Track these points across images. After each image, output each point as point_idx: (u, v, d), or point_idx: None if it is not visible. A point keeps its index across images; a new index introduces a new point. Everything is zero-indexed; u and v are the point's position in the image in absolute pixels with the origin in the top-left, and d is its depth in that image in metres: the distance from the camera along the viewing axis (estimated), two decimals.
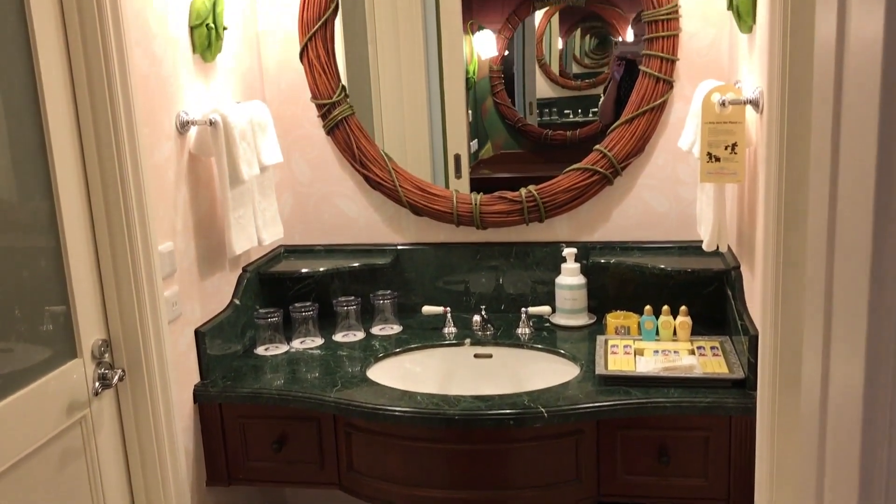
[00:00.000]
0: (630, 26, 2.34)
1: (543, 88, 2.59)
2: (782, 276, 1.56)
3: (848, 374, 0.71)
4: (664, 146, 2.26)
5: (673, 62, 2.17)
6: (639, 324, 2.12)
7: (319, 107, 2.39)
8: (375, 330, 2.35)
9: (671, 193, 2.29)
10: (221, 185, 2.03)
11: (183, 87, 1.97)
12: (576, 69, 2.57)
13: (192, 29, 2.00)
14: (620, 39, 2.38)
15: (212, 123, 1.97)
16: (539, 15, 2.51)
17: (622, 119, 2.23)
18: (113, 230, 1.74)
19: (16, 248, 1.57)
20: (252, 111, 2.14)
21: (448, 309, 2.31)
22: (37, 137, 1.59)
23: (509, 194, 2.33)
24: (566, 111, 2.57)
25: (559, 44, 2.55)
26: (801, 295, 1.55)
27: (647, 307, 2.10)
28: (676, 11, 2.14)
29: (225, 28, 2.10)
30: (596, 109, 2.49)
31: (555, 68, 2.57)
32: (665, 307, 2.09)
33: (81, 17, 1.63)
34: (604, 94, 2.44)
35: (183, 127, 1.96)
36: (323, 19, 2.30)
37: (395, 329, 2.35)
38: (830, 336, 0.78)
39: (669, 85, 2.19)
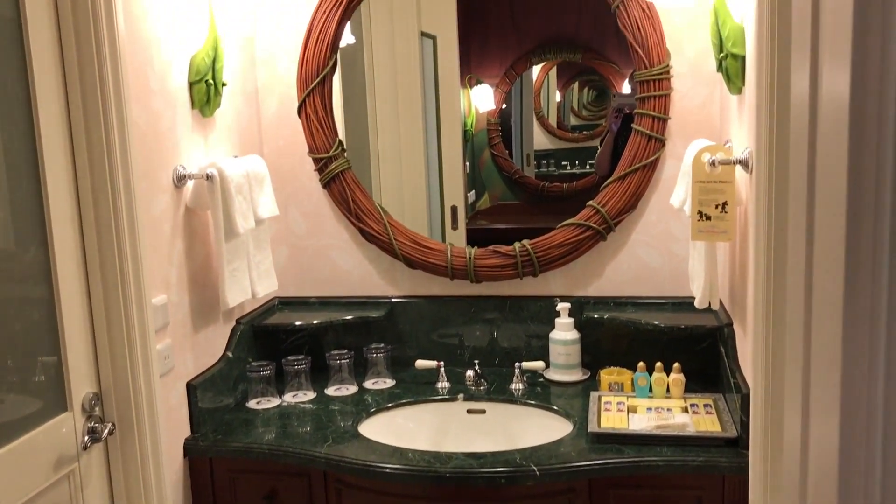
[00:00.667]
0: (627, 80, 2.37)
1: (541, 140, 2.62)
2: (772, 335, 1.56)
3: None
4: (657, 202, 2.28)
5: (665, 121, 2.21)
6: (632, 380, 2.12)
7: (316, 161, 2.42)
8: (368, 384, 2.34)
9: (664, 249, 2.30)
10: (216, 239, 2.05)
11: (181, 142, 2.00)
12: (573, 121, 2.60)
13: (191, 85, 2.03)
14: (618, 92, 2.42)
15: (208, 177, 1.99)
16: (537, 69, 2.55)
17: (615, 175, 2.25)
18: (107, 283, 1.75)
19: (9, 298, 1.58)
20: (249, 165, 2.16)
21: (441, 363, 2.31)
22: (34, 188, 1.60)
23: (503, 248, 2.35)
24: (563, 162, 2.59)
25: (557, 96, 2.59)
26: (793, 356, 1.55)
27: (641, 364, 2.10)
28: (668, 72, 2.18)
29: (224, 84, 2.13)
30: (593, 161, 2.52)
31: (552, 120, 2.61)
32: (658, 364, 2.09)
33: (82, 74, 1.66)
34: (600, 145, 2.46)
35: (180, 181, 1.98)
36: (321, 75, 2.34)
37: (388, 383, 2.34)
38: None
39: (661, 143, 2.22)
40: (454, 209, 2.57)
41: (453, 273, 2.38)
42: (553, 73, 2.57)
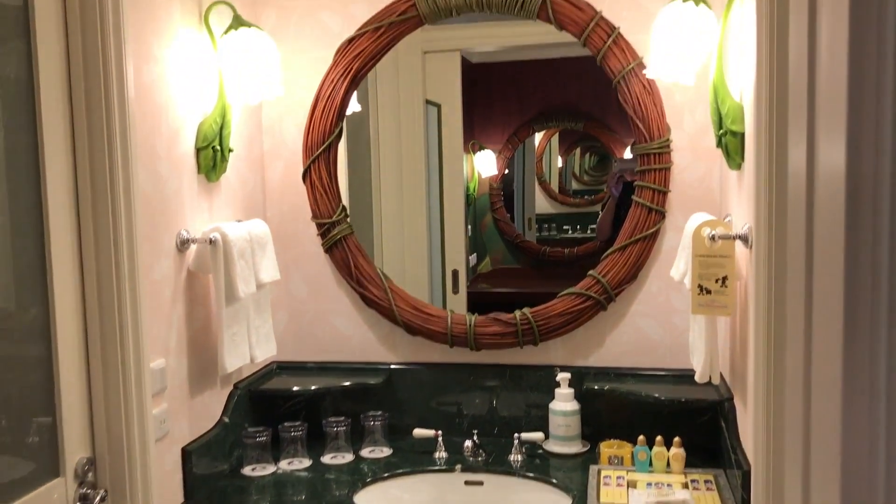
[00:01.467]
0: (629, 147, 2.41)
1: (542, 205, 2.66)
2: (773, 412, 1.55)
3: None
4: (657, 274, 2.29)
5: (665, 193, 2.23)
6: (632, 454, 2.09)
7: (319, 226, 2.44)
8: (365, 452, 2.32)
9: (665, 321, 2.30)
10: (217, 303, 2.05)
11: (185, 206, 2.02)
12: (575, 186, 2.64)
13: (198, 150, 2.06)
14: (619, 158, 2.45)
15: (211, 242, 2.01)
16: (539, 136, 2.60)
17: (616, 246, 2.26)
18: (106, 347, 1.74)
19: (7, 357, 1.57)
20: (252, 229, 2.18)
21: (439, 432, 2.28)
22: (38, 249, 1.61)
23: (504, 316, 2.35)
24: (565, 227, 2.63)
25: (559, 162, 2.63)
26: (794, 435, 1.54)
27: (641, 437, 2.08)
28: (668, 146, 2.21)
29: (231, 150, 2.16)
30: (594, 226, 2.54)
31: (554, 185, 2.65)
32: (659, 438, 2.07)
33: (91, 140, 1.68)
34: (602, 210, 2.49)
35: (183, 245, 2.00)
36: (327, 143, 2.38)
37: (385, 452, 2.31)
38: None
39: (662, 215, 2.24)
40: (455, 273, 2.58)
41: (453, 340, 2.37)
42: (555, 139, 2.63)
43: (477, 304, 2.50)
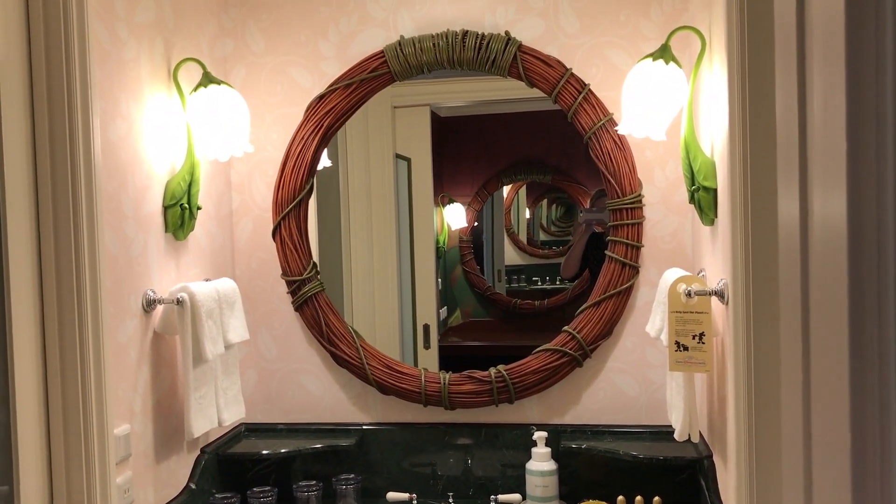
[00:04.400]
0: (590, 200, 2.44)
1: (512, 256, 2.66)
2: (755, 469, 1.53)
3: None
4: (631, 329, 2.27)
5: (638, 248, 2.23)
6: None
7: (289, 283, 2.40)
8: None
9: (640, 377, 2.28)
10: (184, 365, 1.99)
11: (152, 267, 1.97)
12: (543, 237, 2.65)
13: (165, 209, 2.02)
14: (584, 208, 2.48)
15: (178, 302, 1.95)
16: (507, 188, 2.61)
17: (590, 302, 2.25)
18: (68, 413, 1.67)
19: None
20: (220, 288, 2.13)
21: (414, 496, 2.22)
22: None
23: (478, 374, 2.31)
24: (534, 278, 2.62)
25: (527, 213, 2.64)
26: (777, 491, 1.51)
27: (621, 498, 2.04)
28: (640, 201, 2.22)
29: (199, 208, 2.12)
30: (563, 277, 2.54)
31: (523, 237, 2.65)
32: (638, 498, 2.03)
33: (55, 201, 1.63)
34: (570, 247, 2.49)
35: (149, 305, 1.94)
36: (297, 199, 2.35)
37: None
38: None
39: (636, 270, 2.23)
40: (426, 328, 2.55)
41: (427, 399, 2.32)
42: (523, 191, 2.65)
43: (449, 357, 2.48)
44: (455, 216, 2.60)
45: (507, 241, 2.67)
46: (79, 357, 1.66)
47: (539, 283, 2.61)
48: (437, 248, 2.56)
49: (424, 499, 2.27)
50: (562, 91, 2.22)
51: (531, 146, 2.55)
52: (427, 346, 2.56)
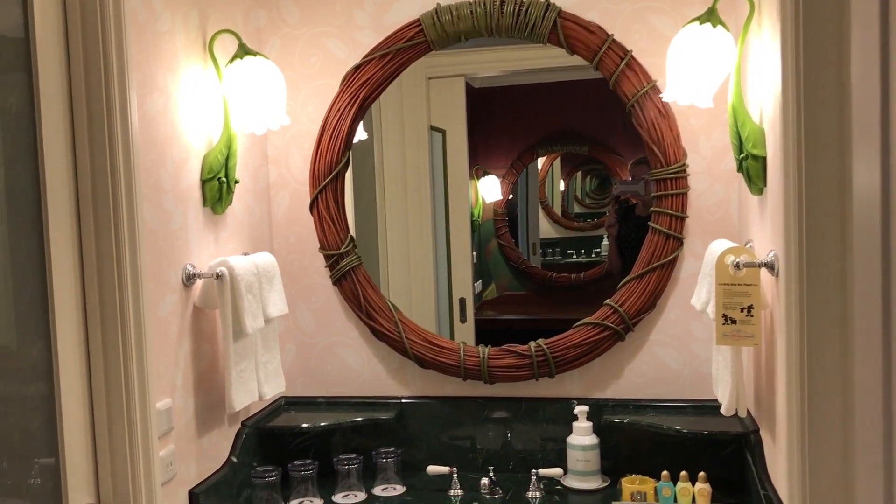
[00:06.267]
0: (628, 169, 2.39)
1: (546, 229, 2.63)
2: (808, 448, 1.48)
3: None
4: (675, 302, 2.22)
5: (682, 219, 2.17)
6: (656, 490, 2.02)
7: (327, 257, 2.38)
8: (377, 490, 2.24)
9: (684, 351, 2.23)
10: (224, 339, 1.98)
11: (191, 241, 1.96)
12: (577, 209, 2.61)
13: (203, 182, 2.01)
14: (619, 179, 2.43)
15: (218, 276, 1.95)
16: (542, 160, 2.57)
17: (633, 274, 2.20)
18: (110, 387, 1.68)
19: (9, 397, 1.52)
20: (259, 262, 2.12)
21: (454, 469, 2.21)
22: (40, 286, 1.56)
23: (518, 348, 2.28)
24: (569, 251, 2.59)
25: (561, 185, 2.60)
26: (829, 468, 1.47)
27: (665, 472, 2.01)
28: (684, 170, 2.16)
29: (236, 181, 2.11)
30: (598, 250, 2.52)
31: (557, 209, 2.62)
32: (683, 473, 2.00)
33: (94, 177, 1.63)
34: (607, 238, 2.46)
35: (189, 280, 1.94)
36: (334, 172, 2.32)
37: (398, 490, 2.24)
38: None
39: (679, 241, 2.18)
40: (462, 301, 2.53)
41: (466, 373, 2.31)
42: (557, 162, 2.60)
43: (484, 331, 2.46)
44: (489, 189, 2.57)
45: (541, 213, 2.64)
46: (120, 332, 1.66)
47: (574, 257, 2.58)
48: (472, 222, 2.53)
49: (464, 472, 2.26)
50: (603, 58, 2.16)
51: (567, 116, 2.51)
52: (463, 319, 2.54)
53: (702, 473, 1.99)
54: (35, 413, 1.58)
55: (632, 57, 2.16)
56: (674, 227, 2.17)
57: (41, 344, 1.58)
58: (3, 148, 1.53)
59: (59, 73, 1.61)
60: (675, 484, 2.00)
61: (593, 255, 2.54)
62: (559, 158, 2.59)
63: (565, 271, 2.57)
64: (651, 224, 2.19)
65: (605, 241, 2.48)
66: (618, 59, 2.16)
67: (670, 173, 2.16)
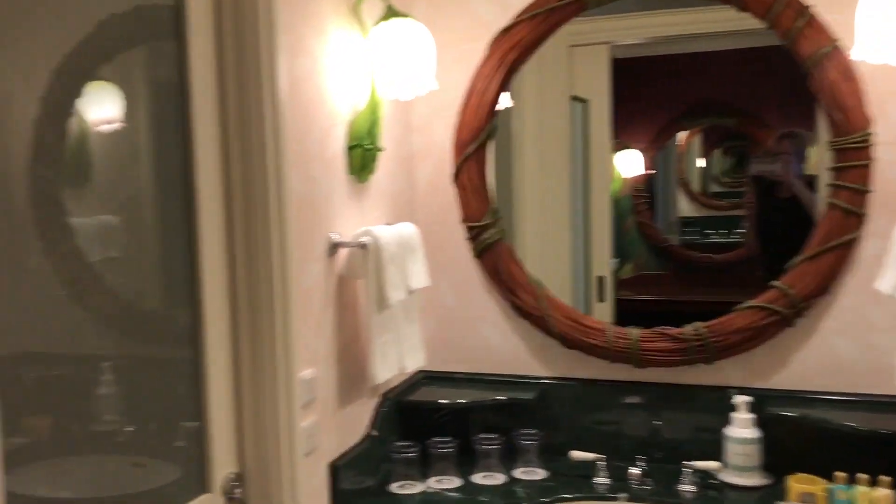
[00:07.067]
0: (772, 144, 2.26)
1: (685, 207, 2.52)
2: None
3: None
4: (853, 287, 2.01)
5: (865, 193, 1.96)
6: (828, 492, 1.83)
7: (469, 229, 2.30)
8: (518, 473, 2.15)
9: (861, 340, 2.02)
10: (368, 310, 1.94)
11: (336, 209, 1.92)
12: (714, 188, 2.49)
13: (349, 149, 1.96)
14: (755, 156, 2.32)
15: (363, 246, 1.90)
16: (680, 135, 2.46)
17: (805, 255, 2.01)
18: (255, 354, 1.66)
19: (157, 360, 1.54)
20: (402, 233, 2.06)
21: (602, 456, 2.08)
22: (189, 252, 1.55)
23: (672, 331, 2.13)
24: (707, 231, 2.47)
25: (699, 163, 2.49)
26: None
27: (840, 474, 1.82)
28: (869, 139, 1.94)
29: (381, 149, 2.05)
30: (738, 230, 2.40)
31: (695, 187, 2.50)
32: (863, 476, 1.80)
33: (243, 143, 1.60)
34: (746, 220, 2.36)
35: (333, 249, 1.90)
36: (480, 140, 2.23)
37: (540, 474, 2.14)
38: None
39: (861, 219, 1.96)
40: (601, 280, 2.41)
41: (613, 356, 2.17)
42: (696, 138, 2.48)
43: (621, 311, 2.37)
44: (629, 163, 2.45)
45: (679, 190, 2.52)
46: (266, 298, 1.64)
47: (712, 237, 2.46)
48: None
49: (609, 459, 2.13)
50: (779, 15, 1.96)
51: (715, 87, 2.38)
52: (602, 298, 2.42)
53: (885, 478, 1.79)
54: (182, 379, 1.58)
55: (811, 13, 1.95)
56: (855, 203, 1.96)
57: (189, 310, 1.57)
58: (154, 118, 1.52)
59: (210, 40, 1.58)
60: (851, 487, 1.81)
61: (731, 236, 2.41)
62: (699, 134, 2.47)
63: (705, 251, 2.45)
64: (829, 199, 1.98)
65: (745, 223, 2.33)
66: (795, 15, 1.95)
67: (852, 142, 1.94)
